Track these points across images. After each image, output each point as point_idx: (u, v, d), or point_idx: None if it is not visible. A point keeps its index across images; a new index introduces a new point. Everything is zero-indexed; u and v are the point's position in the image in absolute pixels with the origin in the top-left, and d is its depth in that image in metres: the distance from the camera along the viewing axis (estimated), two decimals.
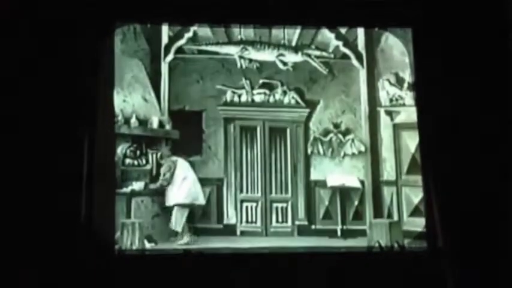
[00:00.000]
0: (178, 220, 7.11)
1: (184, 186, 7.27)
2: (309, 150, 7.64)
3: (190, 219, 7.19)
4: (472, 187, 6.00)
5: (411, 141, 7.23)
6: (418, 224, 6.73)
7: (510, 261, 5.83)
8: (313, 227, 7.43)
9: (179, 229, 7.05)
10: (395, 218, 7.22)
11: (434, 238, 6.14)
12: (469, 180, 6.02)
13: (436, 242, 6.12)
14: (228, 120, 7.69)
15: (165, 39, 7.64)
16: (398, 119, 7.57)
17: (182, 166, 7.36)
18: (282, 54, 7.67)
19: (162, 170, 7.35)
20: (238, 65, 7.64)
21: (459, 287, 5.76)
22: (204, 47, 7.67)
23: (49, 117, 5.89)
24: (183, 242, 6.99)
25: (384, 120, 7.63)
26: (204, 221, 7.34)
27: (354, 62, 7.73)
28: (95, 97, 6.18)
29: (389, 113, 7.62)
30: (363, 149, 7.60)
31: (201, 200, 7.30)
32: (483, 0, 6.40)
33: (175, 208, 7.16)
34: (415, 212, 7.13)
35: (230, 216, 7.42)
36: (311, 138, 7.67)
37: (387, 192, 7.46)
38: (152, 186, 7.32)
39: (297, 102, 7.72)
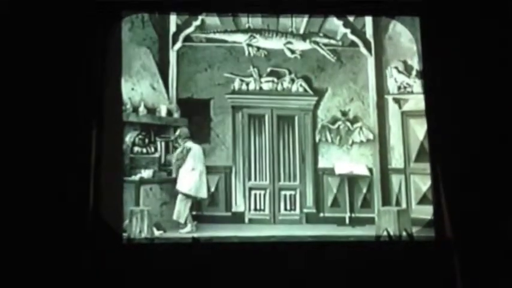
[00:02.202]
0: (181, 211, 7.12)
1: (190, 177, 7.29)
2: (317, 138, 7.63)
3: (197, 208, 7.22)
4: (480, 175, 6.00)
5: (419, 129, 7.20)
6: (427, 212, 6.72)
7: None
8: (321, 214, 7.43)
9: (182, 220, 7.07)
10: (404, 205, 7.20)
11: (442, 227, 6.15)
12: (478, 169, 6.01)
13: (444, 231, 6.13)
14: (236, 108, 7.68)
15: (173, 28, 7.63)
16: (407, 107, 7.54)
17: (194, 156, 7.36)
18: (289, 42, 7.65)
19: (176, 153, 7.38)
20: (246, 53, 7.63)
21: (467, 276, 5.78)
22: (212, 35, 7.65)
23: (58, 105, 5.92)
24: (186, 231, 7.02)
25: (392, 108, 7.59)
26: (212, 208, 7.36)
27: (362, 49, 7.69)
28: (103, 85, 6.20)
29: (397, 101, 7.60)
30: (371, 136, 7.58)
31: (203, 194, 7.30)
32: None
33: (179, 199, 7.17)
34: (423, 200, 7.11)
35: (238, 204, 7.43)
36: (319, 126, 7.65)
37: (395, 180, 7.44)
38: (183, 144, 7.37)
39: (305, 90, 7.70)
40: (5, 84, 5.86)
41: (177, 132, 7.41)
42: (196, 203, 7.25)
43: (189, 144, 7.36)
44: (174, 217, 7.08)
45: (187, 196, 7.20)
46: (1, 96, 5.83)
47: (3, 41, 5.95)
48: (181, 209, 7.13)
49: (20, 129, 5.79)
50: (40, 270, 5.52)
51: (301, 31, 7.67)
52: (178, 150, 7.37)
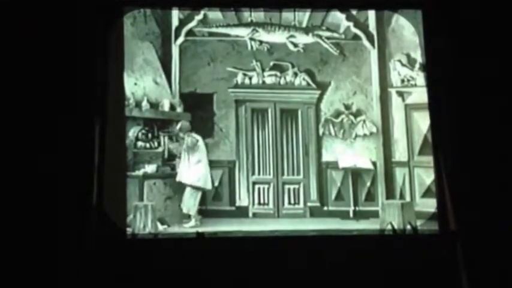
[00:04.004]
0: (191, 204, 7.14)
1: (196, 168, 7.30)
2: (321, 132, 7.63)
3: (201, 202, 7.22)
4: (484, 168, 5.98)
5: (423, 121, 7.19)
6: (431, 205, 6.70)
7: None
8: (325, 208, 7.43)
9: (192, 213, 7.08)
10: (408, 199, 7.20)
11: (446, 220, 6.14)
12: (481, 161, 6.00)
13: (448, 224, 6.12)
14: (239, 103, 7.68)
15: (175, 22, 7.64)
16: (410, 100, 7.55)
17: (200, 147, 7.37)
18: (292, 36, 7.64)
19: (188, 145, 7.37)
20: (249, 47, 7.62)
21: (470, 269, 5.77)
22: (214, 29, 7.64)
23: (60, 101, 5.91)
24: (190, 225, 7.02)
25: (396, 101, 7.60)
26: (216, 203, 7.37)
27: (365, 42, 7.69)
28: (106, 81, 6.19)
29: (400, 94, 7.60)
30: (374, 130, 7.58)
31: (209, 186, 7.31)
32: None
33: (187, 191, 7.18)
34: (427, 193, 7.11)
35: (242, 198, 7.43)
36: (322, 119, 7.65)
37: (399, 173, 7.45)
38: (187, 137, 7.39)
39: (307, 83, 7.70)
40: (6, 80, 5.86)
41: (178, 126, 7.42)
42: (202, 196, 7.25)
43: (195, 136, 7.36)
44: (185, 210, 7.09)
45: (196, 188, 7.20)
46: (3, 92, 5.83)
47: (4, 36, 5.94)
48: (190, 202, 7.14)
49: (22, 125, 5.79)
50: (43, 266, 5.53)
51: (304, 24, 7.65)
52: (189, 141, 7.35)
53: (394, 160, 7.52)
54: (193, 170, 7.29)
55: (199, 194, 7.23)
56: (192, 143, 7.35)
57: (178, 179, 7.25)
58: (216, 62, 7.62)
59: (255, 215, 7.38)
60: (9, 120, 5.82)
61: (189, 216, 7.10)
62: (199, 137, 7.39)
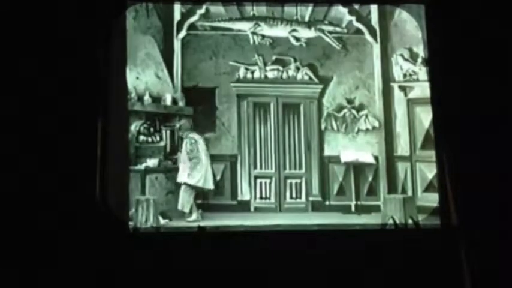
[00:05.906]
0: (185, 201, 7.13)
1: (195, 171, 7.28)
2: (323, 126, 7.62)
3: (202, 197, 7.23)
4: (485, 163, 5.98)
5: (425, 116, 7.19)
6: (433, 199, 6.70)
7: None
8: (327, 203, 7.44)
9: (187, 210, 7.08)
10: (410, 193, 7.20)
11: (448, 214, 6.14)
12: (483, 156, 5.99)
13: (449, 218, 6.12)
14: (241, 97, 7.67)
15: (177, 16, 7.64)
16: (412, 94, 7.54)
17: (201, 147, 7.36)
18: (295, 30, 7.64)
19: (187, 147, 7.35)
20: (251, 41, 7.61)
21: (472, 264, 5.78)
22: (216, 24, 7.64)
23: (63, 96, 5.91)
24: (192, 219, 7.02)
25: (398, 95, 7.60)
26: (218, 197, 7.37)
27: (368, 37, 7.68)
28: (108, 75, 6.19)
29: (403, 88, 7.59)
30: (376, 124, 7.57)
31: (210, 185, 7.30)
32: None
33: (183, 189, 7.17)
34: (429, 188, 7.12)
35: (244, 192, 7.44)
36: (324, 114, 7.64)
37: (401, 167, 7.45)
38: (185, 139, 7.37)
39: (310, 78, 7.69)
40: (9, 75, 5.86)
41: (178, 125, 7.43)
42: (201, 192, 7.24)
43: (194, 136, 7.35)
44: (179, 207, 7.08)
45: (192, 187, 7.20)
46: (6, 88, 5.84)
47: (6, 31, 5.94)
48: (185, 199, 7.13)
49: (24, 121, 5.80)
50: (46, 260, 5.55)
51: (306, 19, 7.67)
52: (188, 143, 7.34)
53: (396, 155, 7.53)
54: (194, 170, 7.27)
55: (194, 192, 7.21)
56: (191, 146, 7.33)
57: (179, 180, 7.23)
58: (218, 56, 7.62)
59: (256, 209, 7.38)
60: (12, 116, 5.82)
61: (190, 211, 7.10)
62: (198, 137, 7.38)
